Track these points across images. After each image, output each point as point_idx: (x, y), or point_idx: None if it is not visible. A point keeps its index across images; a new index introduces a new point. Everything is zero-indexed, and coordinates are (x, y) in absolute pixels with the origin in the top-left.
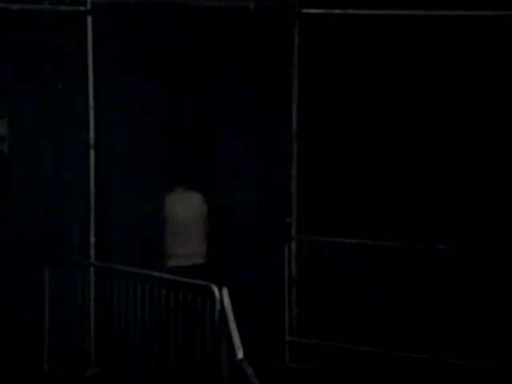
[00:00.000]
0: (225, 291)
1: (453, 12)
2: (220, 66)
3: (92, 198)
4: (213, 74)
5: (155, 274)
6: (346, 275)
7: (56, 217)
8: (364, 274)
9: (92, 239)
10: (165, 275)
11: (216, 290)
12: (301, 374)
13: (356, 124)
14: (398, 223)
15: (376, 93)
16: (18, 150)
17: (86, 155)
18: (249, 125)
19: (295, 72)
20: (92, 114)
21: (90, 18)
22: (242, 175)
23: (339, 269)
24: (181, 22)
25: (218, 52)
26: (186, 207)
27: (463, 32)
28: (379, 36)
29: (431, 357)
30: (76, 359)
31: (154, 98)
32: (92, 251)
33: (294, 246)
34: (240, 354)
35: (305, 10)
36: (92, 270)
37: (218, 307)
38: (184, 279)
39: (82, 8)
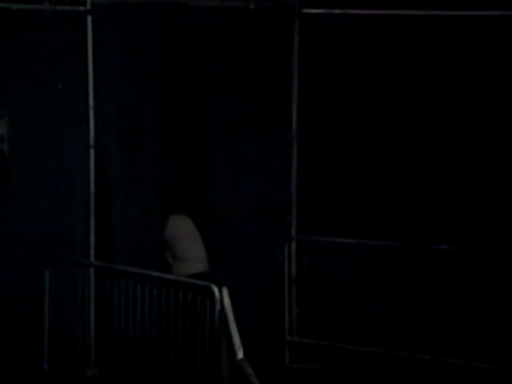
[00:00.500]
0: (225, 291)
1: (453, 12)
2: (220, 65)
3: (92, 198)
4: (213, 73)
5: (155, 274)
6: (346, 275)
7: (56, 217)
8: (364, 274)
9: (92, 239)
10: (165, 275)
11: (216, 290)
12: (301, 374)
13: (356, 124)
14: (398, 223)
15: (376, 93)
16: (18, 149)
17: (85, 155)
18: (249, 125)
19: (295, 72)
20: (92, 114)
21: (89, 18)
22: (242, 175)
23: (339, 269)
24: (181, 21)
25: (217, 52)
26: (186, 220)
27: (463, 32)
28: (379, 36)
29: (431, 357)
30: (76, 359)
31: (152, 98)
32: (92, 251)
33: (294, 245)
34: (240, 354)
35: (305, 10)
36: (92, 270)
37: (217, 307)
38: (184, 279)
39: (81, 8)
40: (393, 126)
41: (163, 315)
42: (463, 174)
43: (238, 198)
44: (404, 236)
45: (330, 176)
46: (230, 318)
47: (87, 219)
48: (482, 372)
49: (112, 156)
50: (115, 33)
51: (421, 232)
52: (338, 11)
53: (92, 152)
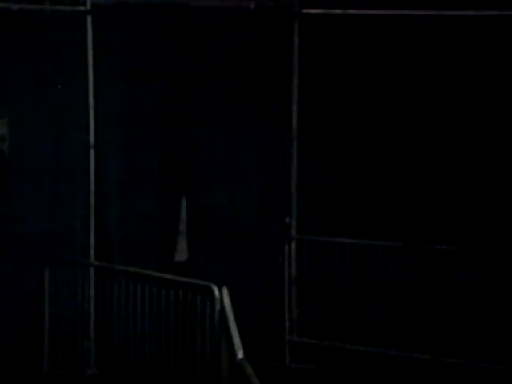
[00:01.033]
0: (225, 291)
1: (453, 12)
2: (220, 65)
3: (92, 198)
4: (213, 73)
5: (155, 274)
6: (345, 275)
7: (56, 217)
8: (364, 274)
9: (92, 239)
10: (165, 275)
11: (216, 289)
12: (301, 374)
13: (356, 124)
14: (398, 223)
15: (376, 93)
16: (17, 150)
17: (85, 155)
18: (249, 124)
19: (295, 72)
20: (92, 114)
21: (89, 18)
22: (242, 175)
23: (339, 269)
24: (181, 21)
25: (217, 52)
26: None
27: (463, 32)
28: (379, 36)
29: (431, 357)
30: (76, 359)
31: (153, 98)
32: (92, 251)
33: (294, 245)
34: (240, 354)
35: (305, 10)
36: (92, 270)
37: (217, 307)
38: (184, 279)
39: (81, 8)
40: (393, 125)
41: (163, 315)
42: (463, 174)
43: (238, 198)
44: (404, 236)
45: (330, 176)
46: (230, 318)
47: (87, 219)
48: (482, 372)
49: (112, 156)
50: (115, 33)
51: (421, 232)
52: (338, 11)
53: (92, 152)
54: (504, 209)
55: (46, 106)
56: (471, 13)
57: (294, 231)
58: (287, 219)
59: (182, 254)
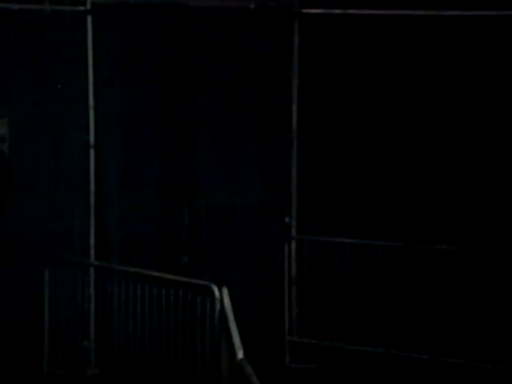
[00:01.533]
0: (225, 291)
1: (453, 12)
2: (220, 65)
3: (92, 198)
4: (213, 73)
5: (155, 274)
6: (345, 275)
7: (56, 217)
8: (364, 274)
9: (92, 239)
10: (165, 275)
11: (216, 289)
12: (301, 374)
13: (356, 124)
14: (398, 223)
15: (376, 93)
16: (17, 150)
17: (85, 155)
18: (249, 125)
19: (295, 72)
20: (92, 114)
21: (89, 18)
22: (242, 175)
23: (339, 269)
24: (181, 21)
25: (217, 52)
26: None
27: (463, 32)
28: (379, 36)
29: (431, 357)
30: (76, 359)
31: (153, 98)
32: (92, 251)
33: (294, 245)
34: (240, 354)
35: (305, 10)
36: (92, 270)
37: (217, 307)
38: (184, 279)
39: (81, 8)
40: (393, 125)
41: (163, 315)
42: (463, 174)
43: (238, 198)
44: (404, 236)
45: (330, 176)
46: (230, 318)
47: (87, 219)
48: (482, 372)
49: (112, 156)
50: (115, 33)
51: (421, 232)
52: (338, 11)
53: (92, 152)
54: (504, 209)
55: (46, 106)
56: (471, 13)
57: (294, 231)
58: (287, 219)
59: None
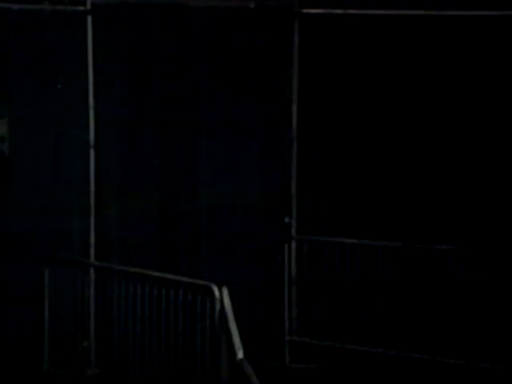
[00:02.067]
0: (225, 291)
1: (453, 12)
2: (220, 65)
3: (92, 198)
4: (213, 73)
5: (155, 274)
6: (345, 275)
7: (56, 217)
8: (364, 274)
9: (92, 239)
10: (165, 275)
11: (216, 289)
12: (301, 374)
13: (356, 124)
14: (398, 223)
15: (376, 93)
16: (17, 149)
17: (85, 155)
18: (249, 124)
19: (295, 72)
20: (92, 114)
21: (89, 18)
22: (242, 175)
23: (339, 269)
24: (181, 21)
25: (217, 52)
26: None
27: (463, 32)
28: (379, 36)
29: (432, 357)
30: (76, 359)
31: (153, 98)
32: (92, 251)
33: (294, 245)
34: (240, 354)
35: (305, 10)
36: (92, 270)
37: (217, 307)
38: (184, 279)
39: (81, 8)
40: (393, 125)
41: (163, 315)
42: (464, 174)
43: (238, 198)
44: (404, 236)
45: (330, 176)
46: (230, 317)
47: (87, 219)
48: (481, 372)
49: (112, 156)
50: (115, 33)
51: (421, 232)
52: (338, 11)
53: (92, 152)
54: (504, 209)
55: (46, 106)
56: (471, 13)
57: (293, 231)
58: (287, 219)
59: None
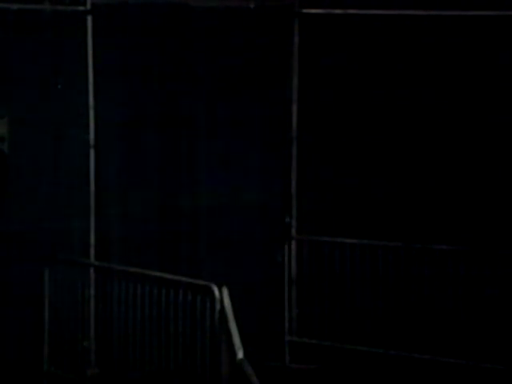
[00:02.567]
0: (225, 291)
1: (453, 12)
2: (220, 65)
3: (92, 198)
4: (213, 73)
5: (155, 274)
6: (345, 275)
7: (56, 217)
8: (364, 274)
9: (92, 239)
10: (165, 275)
11: (216, 289)
12: (301, 374)
13: (356, 124)
14: (398, 223)
15: (376, 93)
16: (17, 149)
17: (85, 155)
18: (249, 124)
19: (295, 72)
20: (92, 114)
21: (89, 18)
22: (242, 175)
23: (339, 269)
24: (181, 21)
25: (217, 52)
26: None
27: (463, 32)
28: (379, 36)
29: (431, 357)
30: (76, 359)
31: (153, 98)
32: (92, 251)
33: (294, 245)
34: (240, 354)
35: (305, 10)
36: (92, 270)
37: (217, 307)
38: (184, 279)
39: (81, 8)
40: (393, 125)
41: (163, 315)
42: (464, 174)
43: (238, 198)
44: (404, 236)
45: (330, 176)
46: (230, 317)
47: (87, 219)
48: (481, 372)
49: (112, 156)
50: (115, 33)
51: (421, 232)
52: (338, 11)
53: (92, 152)
54: (504, 209)
55: (46, 106)
56: (471, 13)
57: (293, 231)
58: (287, 219)
59: None
